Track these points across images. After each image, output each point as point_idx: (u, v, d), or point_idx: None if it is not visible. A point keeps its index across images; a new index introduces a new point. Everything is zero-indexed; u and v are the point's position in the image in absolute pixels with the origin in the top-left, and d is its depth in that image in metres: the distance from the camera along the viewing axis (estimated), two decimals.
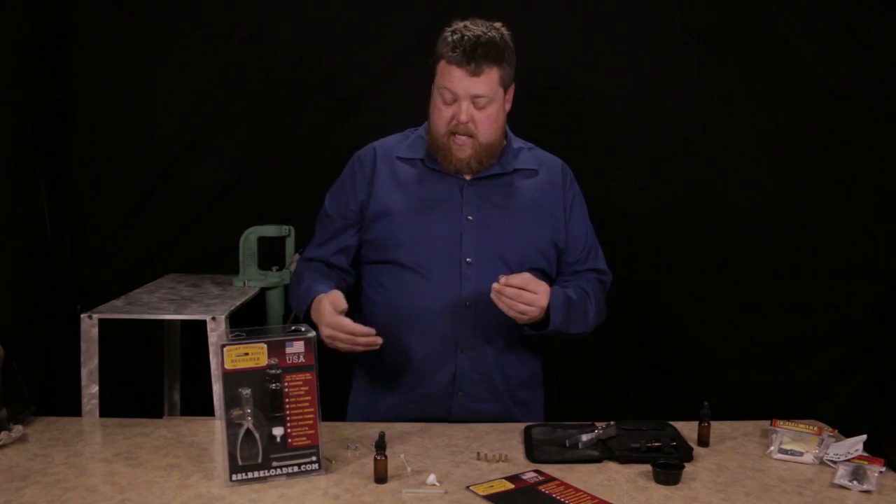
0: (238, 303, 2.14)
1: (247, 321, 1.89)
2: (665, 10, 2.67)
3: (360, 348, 1.73)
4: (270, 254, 2.51)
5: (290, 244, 2.51)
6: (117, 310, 2.01)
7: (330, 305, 1.71)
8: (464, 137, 1.83)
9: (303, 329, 1.53)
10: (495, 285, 1.71)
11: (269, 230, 2.46)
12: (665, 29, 2.68)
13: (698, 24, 2.68)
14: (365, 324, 1.96)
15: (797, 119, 2.70)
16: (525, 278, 1.73)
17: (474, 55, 1.77)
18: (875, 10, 2.63)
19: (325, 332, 1.71)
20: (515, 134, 2.02)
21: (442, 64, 1.82)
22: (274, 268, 2.48)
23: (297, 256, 2.50)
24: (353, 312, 2.01)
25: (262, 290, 2.44)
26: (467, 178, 1.90)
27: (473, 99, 1.81)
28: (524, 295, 1.72)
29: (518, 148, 1.97)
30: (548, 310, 1.76)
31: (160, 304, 2.10)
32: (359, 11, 2.65)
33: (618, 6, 2.67)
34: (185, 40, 2.65)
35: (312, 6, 2.65)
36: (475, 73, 1.78)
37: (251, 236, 2.43)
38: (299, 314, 1.86)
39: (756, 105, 2.71)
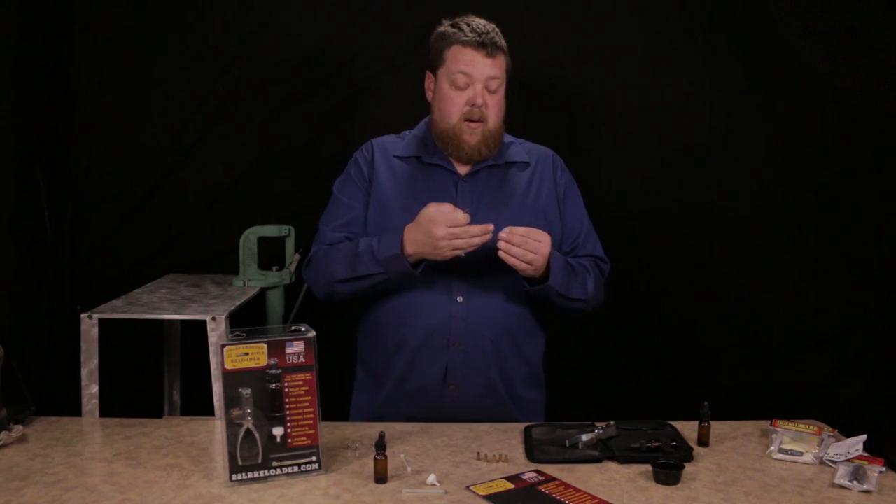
0: (238, 303, 2.14)
1: (247, 321, 1.89)
2: (665, 12, 2.68)
3: (477, 241, 1.72)
4: (270, 254, 2.51)
5: (290, 244, 2.51)
6: (117, 310, 2.01)
7: (437, 208, 1.73)
8: (475, 122, 1.86)
9: (303, 329, 1.53)
10: (502, 234, 1.72)
11: (269, 230, 2.46)
12: (666, 31, 2.68)
13: (699, 25, 2.68)
14: (361, 318, 1.98)
15: (797, 119, 2.70)
16: (528, 228, 1.75)
17: (488, 39, 1.84)
18: (875, 10, 2.63)
19: (442, 233, 1.70)
20: (515, 132, 2.03)
21: (454, 49, 1.86)
22: (274, 268, 2.47)
23: (297, 256, 2.50)
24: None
25: (262, 290, 2.44)
26: (462, 173, 1.92)
27: (487, 81, 1.85)
28: (530, 242, 1.74)
29: (509, 142, 1.99)
30: (548, 270, 1.79)
31: (160, 304, 2.10)
32: (358, 12, 2.65)
33: (618, 7, 2.67)
34: (185, 40, 2.66)
35: (312, 7, 2.66)
36: (490, 56, 1.84)
37: (251, 236, 2.43)
38: (383, 262, 1.79)
39: (756, 104, 2.71)
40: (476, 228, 1.72)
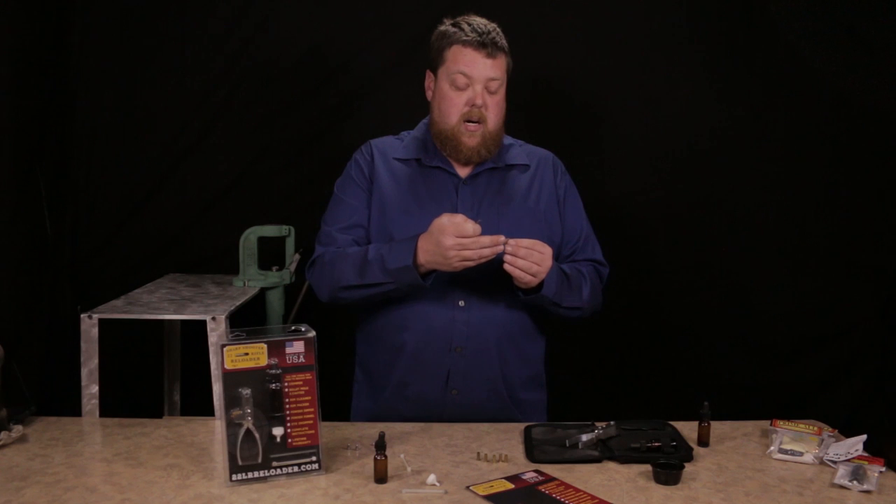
0: (238, 303, 2.14)
1: (247, 321, 1.89)
2: (667, 13, 2.67)
3: (488, 252, 1.71)
4: (270, 254, 2.51)
5: (290, 244, 2.51)
6: (117, 310, 2.01)
7: (449, 218, 1.71)
8: (475, 124, 1.85)
9: (303, 329, 1.53)
10: (508, 248, 1.71)
11: (269, 230, 2.45)
12: (666, 31, 2.68)
13: (699, 26, 2.68)
14: (361, 322, 1.97)
15: (797, 119, 2.70)
16: (532, 241, 1.74)
17: (489, 39, 1.83)
18: (875, 10, 2.63)
19: (450, 242, 1.69)
20: (516, 133, 2.03)
21: (455, 49, 1.84)
22: (274, 268, 2.47)
23: (297, 256, 2.49)
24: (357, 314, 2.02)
25: (262, 290, 2.44)
26: (462, 175, 1.91)
27: (487, 83, 1.84)
28: (534, 254, 1.73)
29: (509, 144, 1.99)
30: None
31: (160, 304, 2.10)
32: (359, 12, 2.65)
33: (620, 8, 2.67)
34: (185, 41, 2.65)
35: (313, 7, 2.66)
36: (490, 56, 1.83)
37: (251, 236, 2.43)
38: (393, 272, 1.77)
39: (756, 105, 2.71)
40: (486, 239, 1.70)
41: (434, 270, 1.78)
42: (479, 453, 1.60)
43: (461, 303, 1.84)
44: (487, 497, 1.41)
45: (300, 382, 1.50)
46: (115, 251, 2.70)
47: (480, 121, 1.85)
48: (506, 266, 1.73)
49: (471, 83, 1.84)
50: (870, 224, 2.73)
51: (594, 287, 1.94)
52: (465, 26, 1.85)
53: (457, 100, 1.85)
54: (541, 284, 1.79)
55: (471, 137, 1.85)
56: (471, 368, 1.86)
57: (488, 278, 1.82)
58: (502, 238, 1.72)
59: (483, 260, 1.72)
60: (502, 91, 1.88)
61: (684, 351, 2.78)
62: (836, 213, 2.73)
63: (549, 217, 1.95)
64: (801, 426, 1.70)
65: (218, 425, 1.72)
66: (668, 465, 1.50)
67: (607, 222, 2.17)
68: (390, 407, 1.90)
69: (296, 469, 1.50)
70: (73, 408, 1.93)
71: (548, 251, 1.77)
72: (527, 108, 2.48)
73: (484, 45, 1.82)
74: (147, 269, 2.59)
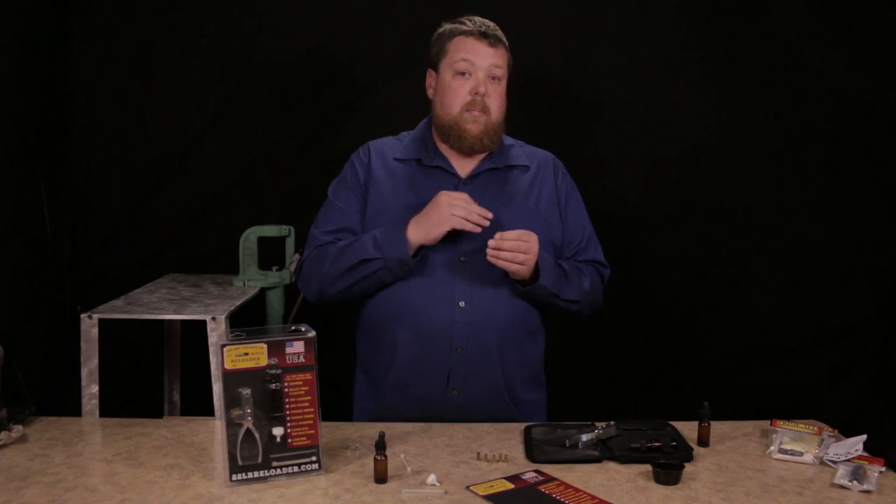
0: (238, 303, 2.14)
1: (247, 321, 1.89)
2: (666, 12, 2.68)
3: (475, 217, 1.77)
4: (270, 254, 2.51)
5: (290, 244, 2.52)
6: (117, 310, 2.01)
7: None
8: (478, 112, 1.87)
9: (303, 329, 1.53)
10: (491, 242, 1.75)
11: (269, 230, 2.46)
12: (666, 31, 2.68)
13: (699, 26, 2.69)
14: (361, 323, 1.97)
15: (797, 119, 2.70)
16: (518, 231, 1.78)
17: (490, 30, 1.88)
18: (875, 10, 2.63)
19: (444, 199, 1.78)
20: (516, 133, 2.03)
21: (457, 40, 1.89)
22: (274, 268, 2.48)
23: (297, 256, 2.50)
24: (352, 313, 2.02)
25: (262, 290, 2.44)
26: (462, 175, 1.92)
27: (490, 70, 1.87)
28: (521, 244, 1.76)
29: (509, 145, 2.00)
30: (538, 270, 1.82)
31: (160, 304, 2.10)
32: (359, 13, 2.65)
33: (619, 8, 2.67)
34: (185, 40, 2.66)
35: (312, 7, 2.66)
36: (492, 45, 1.88)
37: (251, 236, 2.43)
38: (382, 246, 1.81)
39: (756, 105, 2.71)
40: (478, 207, 1.77)
41: (421, 250, 1.81)
42: (479, 453, 1.60)
43: (462, 304, 1.84)
44: (487, 497, 1.41)
45: (300, 382, 1.50)
46: (115, 251, 2.70)
47: (483, 110, 1.87)
48: (489, 259, 1.76)
49: (473, 71, 1.86)
50: (869, 224, 2.73)
51: (594, 284, 1.95)
52: (465, 21, 1.90)
53: (460, 89, 1.87)
54: (538, 275, 1.80)
55: (474, 124, 1.87)
56: (471, 369, 1.86)
57: (488, 279, 1.83)
58: (491, 215, 1.78)
59: (469, 225, 1.77)
60: (504, 84, 1.91)
61: (684, 351, 2.78)
62: (835, 213, 2.74)
63: (549, 218, 1.95)
64: (801, 426, 1.70)
65: (218, 425, 1.72)
66: (668, 465, 1.50)
67: (607, 223, 2.17)
68: (390, 407, 1.89)
69: (296, 469, 1.50)
70: (73, 408, 1.93)
71: (533, 238, 1.79)
72: (526, 109, 2.48)
73: (485, 34, 1.87)
74: (147, 269, 2.59)
